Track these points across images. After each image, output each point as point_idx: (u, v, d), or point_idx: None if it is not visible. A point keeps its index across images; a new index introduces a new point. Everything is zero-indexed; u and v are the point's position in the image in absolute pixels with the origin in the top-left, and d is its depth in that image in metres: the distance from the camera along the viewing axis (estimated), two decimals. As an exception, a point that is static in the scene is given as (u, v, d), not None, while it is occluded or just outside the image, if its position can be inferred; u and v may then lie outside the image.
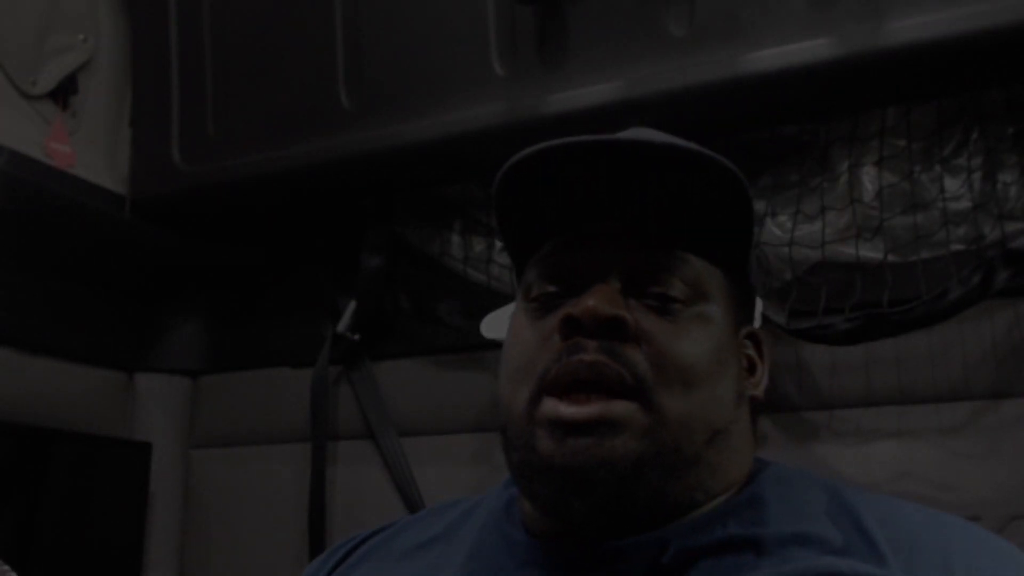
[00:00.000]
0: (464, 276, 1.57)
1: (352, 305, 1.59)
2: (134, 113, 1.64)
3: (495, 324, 1.38)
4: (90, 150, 1.59)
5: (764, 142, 1.37)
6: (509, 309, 1.39)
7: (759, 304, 1.26)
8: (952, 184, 1.27)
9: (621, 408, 0.65)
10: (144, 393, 1.73)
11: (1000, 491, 1.19)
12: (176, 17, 1.59)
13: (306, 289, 1.69)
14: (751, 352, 0.78)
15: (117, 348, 1.70)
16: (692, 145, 0.69)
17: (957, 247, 1.26)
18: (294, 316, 1.70)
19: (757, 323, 1.25)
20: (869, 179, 1.32)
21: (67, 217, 1.52)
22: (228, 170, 1.50)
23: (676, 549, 0.65)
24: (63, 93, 1.57)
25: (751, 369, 0.77)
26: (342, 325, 1.58)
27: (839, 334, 1.24)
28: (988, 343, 1.23)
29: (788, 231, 1.34)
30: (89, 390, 1.64)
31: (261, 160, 1.47)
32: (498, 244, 1.57)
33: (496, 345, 1.41)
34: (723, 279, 0.73)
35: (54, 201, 1.49)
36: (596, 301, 0.65)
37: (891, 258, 1.29)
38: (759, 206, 1.36)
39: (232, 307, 1.79)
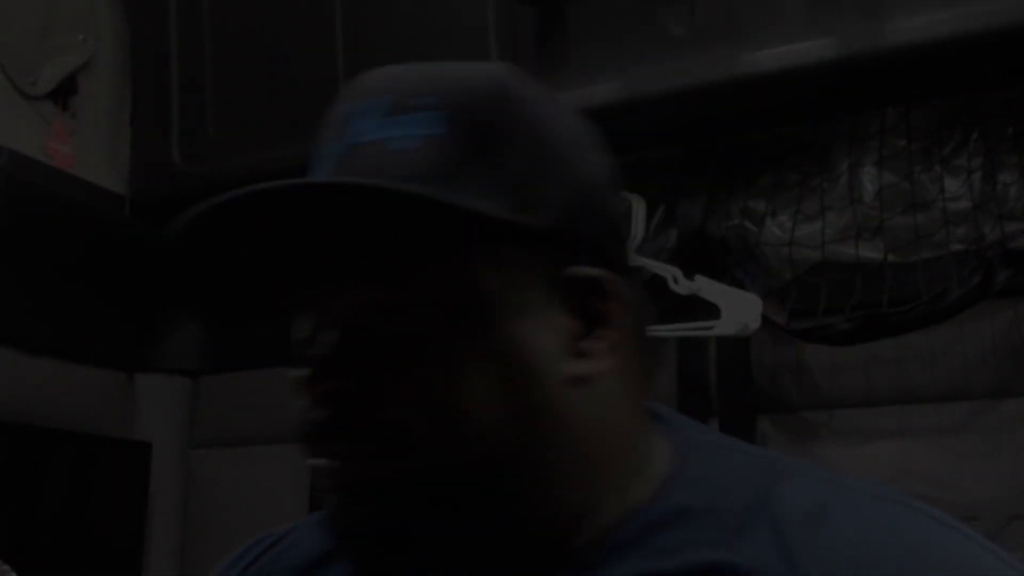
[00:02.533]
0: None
1: (352, 305, 1.59)
2: (134, 113, 1.64)
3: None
4: (90, 150, 1.59)
5: (764, 142, 1.37)
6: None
7: (759, 304, 1.26)
8: (952, 184, 1.27)
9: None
10: (144, 393, 1.73)
11: (1000, 490, 1.19)
12: (176, 17, 1.59)
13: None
14: (587, 301, 0.55)
15: (117, 348, 1.69)
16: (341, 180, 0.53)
17: (957, 247, 1.25)
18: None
19: (757, 324, 1.26)
20: (869, 179, 1.32)
21: (67, 217, 1.52)
22: (228, 170, 1.50)
23: None
24: (63, 93, 1.57)
25: (592, 322, 0.55)
26: (342, 325, 1.58)
27: (839, 334, 1.24)
28: (988, 343, 1.23)
29: (788, 231, 1.34)
30: (89, 390, 1.64)
31: (261, 160, 1.47)
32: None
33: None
34: (490, 258, 0.54)
35: (54, 201, 1.49)
36: (319, 407, 0.54)
37: (891, 258, 1.29)
38: (759, 206, 1.36)
39: (232, 307, 1.79)
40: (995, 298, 1.20)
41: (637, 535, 0.55)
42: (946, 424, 1.24)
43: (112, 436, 1.65)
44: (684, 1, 1.22)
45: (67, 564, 1.49)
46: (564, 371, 0.54)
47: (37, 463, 1.47)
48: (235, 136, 1.51)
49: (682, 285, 1.31)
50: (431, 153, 0.53)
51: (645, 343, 0.59)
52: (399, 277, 0.54)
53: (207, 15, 1.56)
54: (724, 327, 1.26)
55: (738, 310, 1.26)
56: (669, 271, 1.33)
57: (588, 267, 0.55)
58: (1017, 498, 1.17)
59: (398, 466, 0.53)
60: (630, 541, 0.55)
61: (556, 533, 0.55)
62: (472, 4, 1.34)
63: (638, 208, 1.38)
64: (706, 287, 1.29)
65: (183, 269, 0.58)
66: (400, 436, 0.53)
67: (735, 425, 1.32)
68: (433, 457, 0.53)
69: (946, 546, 0.52)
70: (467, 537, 0.55)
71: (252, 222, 0.55)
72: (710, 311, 1.28)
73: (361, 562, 0.57)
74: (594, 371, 0.55)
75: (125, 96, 1.66)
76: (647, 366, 0.59)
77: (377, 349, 0.54)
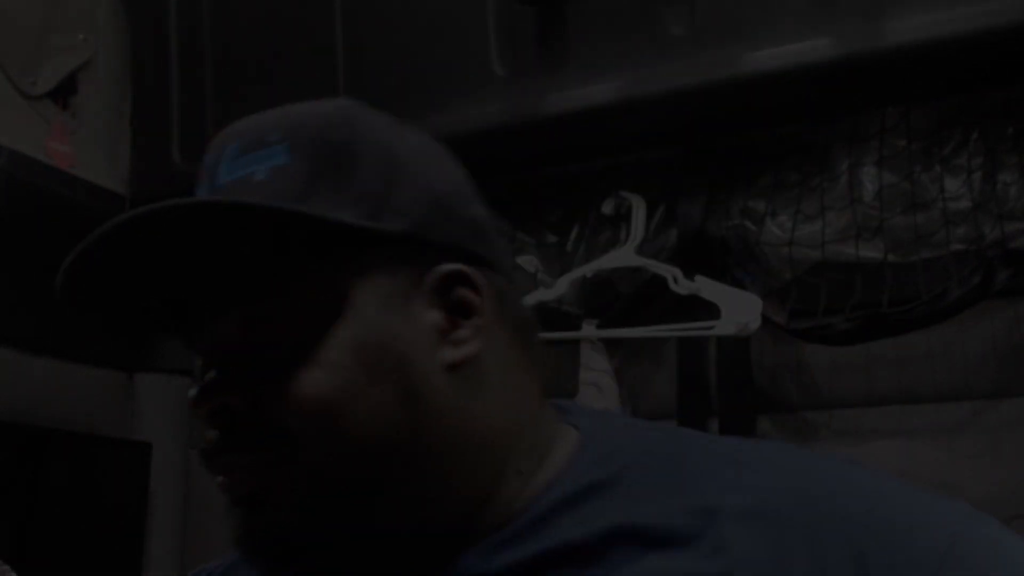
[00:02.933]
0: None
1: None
2: (134, 113, 1.64)
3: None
4: (90, 150, 1.59)
5: (764, 142, 1.37)
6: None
7: (759, 304, 1.26)
8: (952, 184, 1.27)
9: None
10: (144, 393, 1.72)
11: (1000, 490, 1.19)
12: (176, 17, 1.59)
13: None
14: (450, 295, 0.59)
15: (117, 348, 1.69)
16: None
17: (957, 247, 1.26)
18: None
19: (757, 324, 1.26)
20: (869, 179, 1.32)
21: (67, 217, 1.52)
22: (228, 170, 1.50)
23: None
24: (63, 93, 1.57)
25: (459, 313, 0.59)
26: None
27: (839, 334, 1.24)
28: (988, 343, 1.23)
29: (788, 231, 1.34)
30: (89, 390, 1.64)
31: (261, 160, 1.47)
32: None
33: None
34: (357, 263, 0.57)
35: (54, 201, 1.49)
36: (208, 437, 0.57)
37: (891, 258, 1.29)
38: (759, 206, 1.36)
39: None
40: (995, 298, 1.20)
41: (545, 514, 0.57)
42: (946, 424, 1.24)
43: (112, 436, 1.65)
44: (684, 1, 1.22)
45: (67, 564, 1.49)
46: (436, 360, 0.57)
47: (37, 463, 1.47)
48: (235, 136, 1.51)
49: (682, 285, 1.31)
50: (280, 180, 0.57)
51: (524, 330, 0.62)
52: (266, 291, 0.57)
53: (207, 16, 1.56)
54: (724, 327, 1.26)
55: (738, 310, 1.26)
56: (669, 271, 1.33)
57: (447, 264, 0.59)
58: (1017, 498, 1.17)
59: (288, 472, 0.55)
60: (538, 520, 0.57)
61: (458, 518, 0.58)
62: (472, 4, 1.34)
63: (638, 208, 1.38)
64: (706, 287, 1.29)
65: (81, 306, 0.63)
66: (286, 442, 0.55)
67: (735, 425, 1.32)
68: (320, 458, 0.55)
69: (844, 479, 0.54)
70: (367, 532, 0.57)
71: (127, 254, 0.60)
72: (710, 311, 1.28)
73: (272, 571, 0.59)
74: (463, 356, 0.58)
75: (125, 96, 1.66)
76: (532, 352, 0.62)
77: (255, 361, 0.57)
